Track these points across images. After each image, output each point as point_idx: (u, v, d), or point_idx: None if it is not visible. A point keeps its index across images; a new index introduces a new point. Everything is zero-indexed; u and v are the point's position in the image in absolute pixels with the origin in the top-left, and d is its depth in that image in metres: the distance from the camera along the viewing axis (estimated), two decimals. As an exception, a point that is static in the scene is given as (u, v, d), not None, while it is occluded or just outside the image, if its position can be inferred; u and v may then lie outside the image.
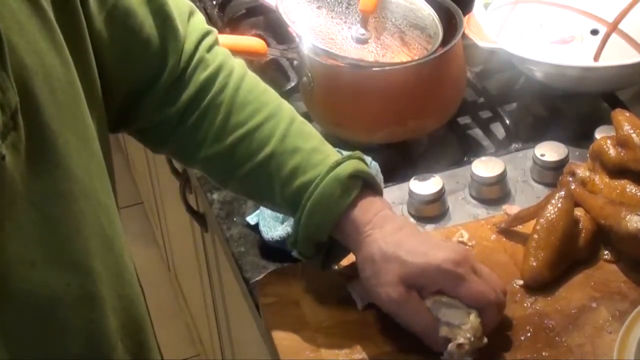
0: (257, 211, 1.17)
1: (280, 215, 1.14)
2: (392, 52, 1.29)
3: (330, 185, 0.96)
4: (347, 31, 1.30)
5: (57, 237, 0.80)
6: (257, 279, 1.09)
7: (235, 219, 1.19)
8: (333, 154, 1.00)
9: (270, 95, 1.04)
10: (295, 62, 1.33)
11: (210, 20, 1.60)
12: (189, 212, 1.57)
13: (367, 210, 0.97)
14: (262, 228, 1.14)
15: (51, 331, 0.81)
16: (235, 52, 1.32)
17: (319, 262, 1.02)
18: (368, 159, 1.16)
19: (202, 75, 1.00)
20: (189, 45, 1.00)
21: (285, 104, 1.04)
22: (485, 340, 0.93)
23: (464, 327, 0.92)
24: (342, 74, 1.24)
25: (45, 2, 0.81)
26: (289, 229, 1.11)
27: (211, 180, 1.10)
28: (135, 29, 0.93)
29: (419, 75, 1.23)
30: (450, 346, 0.92)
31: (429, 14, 1.30)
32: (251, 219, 1.17)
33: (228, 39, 1.31)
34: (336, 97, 1.26)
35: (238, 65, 1.05)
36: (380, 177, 1.16)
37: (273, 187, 1.00)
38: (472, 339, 0.92)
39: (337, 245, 1.01)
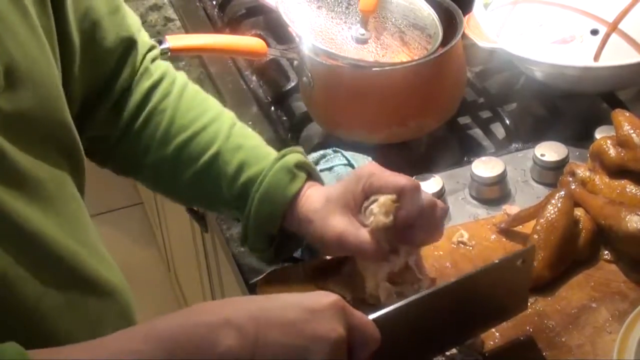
0: (257, 211, 1.17)
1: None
2: (392, 52, 1.29)
3: (279, 174, 0.99)
4: (347, 31, 1.30)
5: (39, 215, 0.84)
6: (257, 279, 1.09)
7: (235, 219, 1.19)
8: (274, 151, 1.04)
9: (211, 101, 1.08)
10: (295, 62, 1.33)
11: (210, 20, 1.60)
12: (189, 212, 1.57)
13: (315, 195, 0.99)
14: (262, 228, 1.14)
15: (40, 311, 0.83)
16: (235, 52, 1.32)
17: (271, 255, 1.03)
18: (368, 158, 1.16)
19: (146, 84, 1.04)
20: (139, 57, 1.04)
21: (226, 110, 1.08)
22: (390, 218, 0.93)
23: (374, 204, 0.94)
24: (342, 74, 1.24)
25: (27, 0, 0.84)
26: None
27: (156, 191, 1.13)
28: (99, 40, 0.97)
29: (419, 75, 1.23)
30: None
31: (429, 14, 1.30)
32: (251, 219, 1.17)
33: (228, 39, 1.31)
34: (336, 97, 1.26)
35: (180, 75, 1.09)
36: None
37: (220, 186, 1.02)
38: (379, 215, 0.93)
39: (286, 240, 1.02)
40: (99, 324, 0.87)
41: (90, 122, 1.01)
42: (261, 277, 1.08)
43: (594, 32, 1.30)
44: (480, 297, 0.92)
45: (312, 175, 1.02)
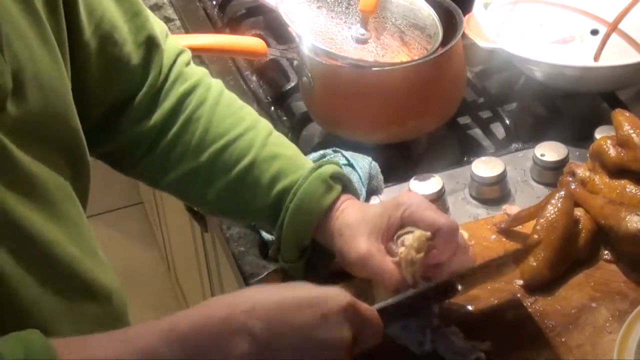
0: (257, 211, 1.17)
1: (280, 215, 1.14)
2: (392, 52, 1.29)
3: (314, 184, 0.99)
4: (347, 31, 1.30)
5: (41, 218, 0.84)
6: (257, 279, 1.09)
7: (235, 219, 1.19)
8: (310, 161, 1.04)
9: (247, 110, 1.07)
10: (295, 62, 1.33)
11: (210, 20, 1.60)
12: (189, 212, 1.57)
13: (351, 210, 0.98)
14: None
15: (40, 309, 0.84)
16: (235, 52, 1.32)
17: (301, 271, 1.02)
18: (367, 159, 1.16)
19: (180, 89, 1.03)
20: (167, 60, 1.03)
21: (262, 119, 1.07)
22: (421, 255, 0.92)
23: (408, 235, 0.93)
24: (342, 74, 1.24)
25: (38, 3, 0.84)
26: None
27: (185, 200, 1.12)
28: (119, 43, 0.97)
29: (419, 75, 1.23)
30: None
31: (429, 14, 1.30)
32: (251, 219, 1.17)
33: (228, 39, 1.31)
34: (336, 97, 1.26)
35: (216, 82, 1.08)
36: (380, 177, 1.16)
37: (254, 195, 1.01)
38: (410, 249, 0.92)
39: (318, 254, 1.01)
40: (96, 327, 0.87)
41: (118, 130, 1.01)
42: (261, 277, 1.08)
43: (594, 32, 1.30)
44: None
45: (347, 188, 1.02)
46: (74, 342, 0.75)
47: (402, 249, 0.93)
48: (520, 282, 1.02)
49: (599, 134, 1.17)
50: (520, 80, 1.40)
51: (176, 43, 1.07)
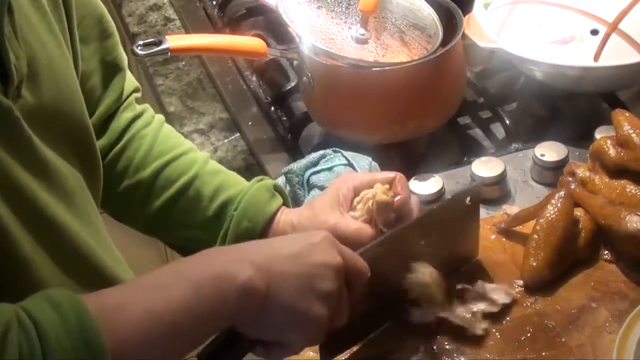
0: (257, 211, 1.17)
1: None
2: (392, 52, 1.29)
3: (259, 192, 1.03)
4: (347, 31, 1.30)
5: (61, 205, 0.86)
6: (257, 279, 1.09)
7: (235, 219, 1.19)
8: (260, 177, 1.07)
9: (186, 139, 1.14)
10: (295, 62, 1.33)
11: (210, 20, 1.60)
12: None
13: (295, 211, 1.03)
14: (262, 228, 1.14)
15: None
16: (235, 52, 1.32)
17: None
18: (368, 159, 1.16)
19: (129, 114, 1.08)
20: (127, 89, 1.08)
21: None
22: (391, 194, 0.99)
23: (370, 192, 0.99)
24: (342, 74, 1.24)
25: (45, 2, 0.87)
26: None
27: (121, 220, 1.12)
28: (86, 55, 0.99)
29: (419, 75, 1.23)
30: None
31: (429, 14, 1.30)
32: (251, 219, 1.17)
33: (228, 39, 1.31)
34: (336, 97, 1.26)
35: (159, 115, 1.14)
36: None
37: (196, 208, 1.04)
38: (380, 196, 0.99)
39: None
40: None
41: None
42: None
43: (594, 32, 1.29)
44: (437, 236, 0.99)
45: (286, 202, 1.06)
46: (97, 293, 0.77)
47: (369, 203, 0.98)
48: (520, 282, 1.02)
49: (599, 134, 1.17)
50: (520, 80, 1.40)
51: (133, 79, 1.12)
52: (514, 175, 1.20)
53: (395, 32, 1.31)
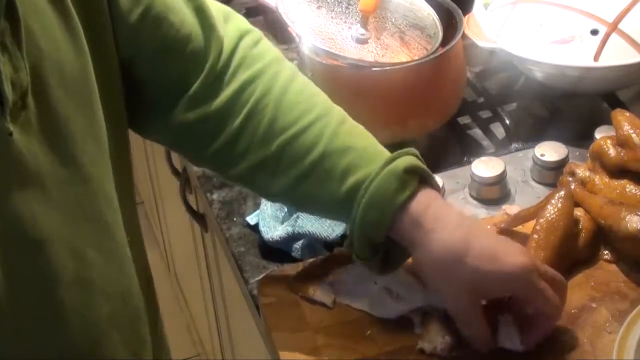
0: (257, 211, 1.17)
1: (280, 215, 1.14)
2: (392, 52, 1.29)
3: (386, 179, 0.92)
4: (347, 31, 1.30)
5: (57, 219, 0.80)
6: (257, 279, 1.09)
7: (235, 219, 1.19)
8: (386, 151, 0.97)
9: (320, 97, 1.00)
10: (295, 62, 1.33)
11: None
12: (189, 212, 1.57)
13: (426, 205, 0.92)
14: (262, 228, 1.14)
15: (50, 312, 0.81)
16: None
17: (377, 267, 0.97)
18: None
19: (243, 76, 0.97)
20: (228, 45, 0.97)
21: (335, 106, 1.00)
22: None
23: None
24: (342, 74, 1.24)
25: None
26: (289, 229, 1.11)
27: (255, 191, 1.06)
28: (175, 25, 0.92)
29: (419, 75, 1.23)
30: None
31: (429, 14, 1.30)
32: (251, 219, 1.17)
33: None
34: (336, 97, 1.25)
35: (287, 67, 1.00)
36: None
37: (325, 189, 0.95)
38: None
39: (394, 249, 0.96)
40: (109, 328, 0.87)
41: (174, 120, 0.96)
42: (261, 277, 1.08)
43: (594, 32, 1.30)
44: None
45: (426, 181, 0.95)
46: None
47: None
48: (520, 282, 1.02)
49: (599, 134, 1.17)
50: (520, 80, 1.40)
51: (239, 24, 1.00)
52: (514, 175, 1.20)
53: (395, 32, 1.31)
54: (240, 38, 0.98)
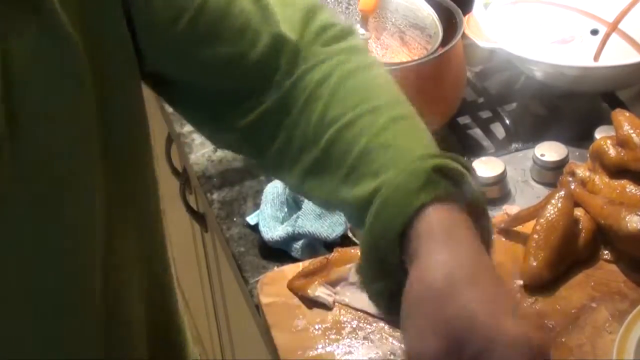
0: (257, 211, 1.17)
1: (280, 215, 1.14)
2: (392, 52, 1.29)
3: (407, 178, 0.71)
4: (347, 31, 1.30)
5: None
6: (257, 279, 1.09)
7: (235, 219, 1.19)
8: (434, 153, 0.75)
9: (385, 88, 0.81)
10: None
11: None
12: (188, 212, 1.57)
13: (444, 217, 0.70)
14: (262, 228, 1.14)
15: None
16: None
17: (384, 305, 0.75)
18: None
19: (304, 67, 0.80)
20: (306, 49, 0.81)
21: (403, 100, 0.81)
22: None
23: None
24: (342, 74, 1.24)
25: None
26: (289, 229, 1.11)
27: (313, 201, 0.89)
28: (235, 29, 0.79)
29: (419, 75, 1.23)
30: None
31: (429, 14, 1.30)
32: (251, 219, 1.17)
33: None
34: (336, 97, 1.26)
35: (361, 59, 0.82)
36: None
37: (359, 182, 0.76)
38: None
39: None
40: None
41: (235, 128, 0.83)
42: (261, 277, 1.08)
43: (594, 32, 1.30)
44: None
45: (460, 191, 0.71)
46: None
47: None
48: (520, 282, 1.02)
49: (599, 134, 1.17)
50: (520, 80, 1.40)
51: (324, 21, 0.82)
52: (514, 175, 1.20)
53: (395, 32, 1.31)
54: (318, 34, 0.81)
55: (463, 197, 0.71)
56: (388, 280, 0.73)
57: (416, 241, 0.69)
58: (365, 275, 0.74)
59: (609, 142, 1.10)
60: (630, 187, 1.07)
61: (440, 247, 0.69)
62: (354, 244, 1.09)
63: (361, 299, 1.01)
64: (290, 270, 1.07)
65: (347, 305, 1.02)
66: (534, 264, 1.01)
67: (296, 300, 1.03)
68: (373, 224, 0.71)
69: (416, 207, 0.69)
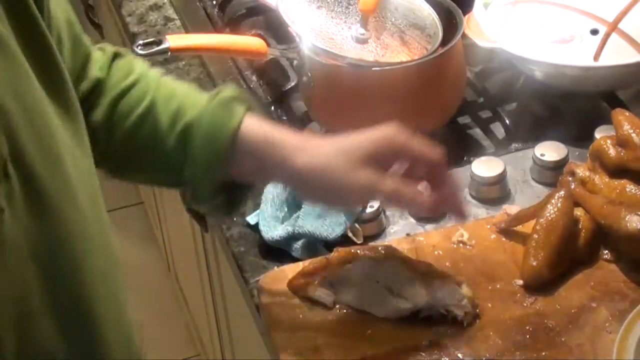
0: (257, 211, 1.17)
1: (280, 215, 1.14)
2: (392, 52, 1.29)
3: (216, 110, 0.95)
4: (347, 31, 1.30)
5: (56, 286, 0.78)
6: (257, 279, 1.09)
7: (235, 219, 1.19)
8: (206, 93, 0.99)
9: (138, 62, 1.03)
10: (295, 62, 1.33)
11: (210, 20, 1.60)
12: (189, 212, 1.57)
13: (261, 123, 0.95)
14: (262, 228, 1.14)
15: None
16: (235, 52, 1.32)
17: (220, 203, 0.98)
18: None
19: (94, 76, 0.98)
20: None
21: (152, 68, 1.03)
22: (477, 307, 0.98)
23: (462, 303, 0.97)
24: (342, 74, 1.24)
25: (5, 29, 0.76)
26: (289, 229, 1.11)
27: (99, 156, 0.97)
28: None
29: (419, 75, 1.23)
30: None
31: (429, 14, 1.30)
32: (251, 219, 1.17)
33: (228, 39, 1.31)
34: (336, 97, 1.26)
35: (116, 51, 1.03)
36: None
37: (160, 138, 0.96)
38: (469, 309, 0.98)
39: (237, 188, 0.98)
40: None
41: None
42: (261, 277, 1.08)
43: (594, 32, 1.30)
44: None
45: (253, 109, 0.97)
46: None
47: (456, 309, 0.98)
48: (520, 282, 1.02)
49: (599, 133, 1.17)
50: (520, 80, 1.40)
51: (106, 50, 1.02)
52: (514, 175, 1.20)
53: (395, 32, 1.31)
54: (111, 61, 1.00)
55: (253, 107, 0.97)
56: (221, 193, 0.96)
57: (251, 148, 0.94)
58: (202, 197, 0.96)
59: (609, 142, 1.10)
60: (630, 187, 1.07)
61: (279, 145, 0.94)
62: (354, 243, 1.09)
63: (361, 299, 1.01)
64: (290, 270, 1.07)
65: (347, 305, 1.02)
66: (534, 264, 1.01)
67: (296, 300, 1.03)
68: (203, 157, 0.94)
69: (234, 128, 0.94)
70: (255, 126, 0.95)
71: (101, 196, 0.87)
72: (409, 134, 0.93)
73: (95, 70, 0.98)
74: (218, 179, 0.95)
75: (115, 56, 1.01)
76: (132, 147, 0.98)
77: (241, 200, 1.00)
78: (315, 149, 0.94)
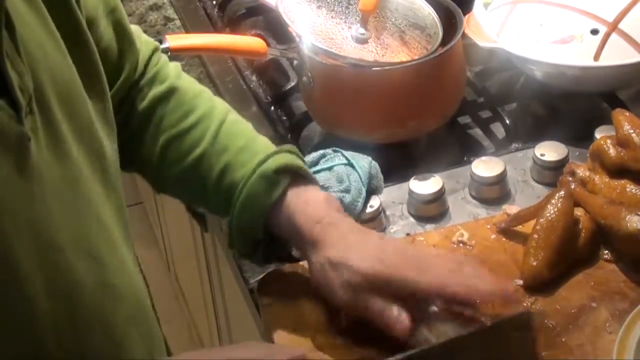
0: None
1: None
2: (392, 52, 1.29)
3: (257, 183, 0.99)
4: (347, 31, 1.30)
5: (77, 222, 0.81)
6: (257, 279, 1.09)
7: (235, 219, 1.19)
8: (262, 150, 1.02)
9: (203, 97, 1.07)
10: (295, 62, 1.33)
11: (210, 20, 1.60)
12: (189, 212, 1.57)
13: (298, 202, 0.99)
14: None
15: (76, 317, 0.81)
16: (235, 52, 1.32)
17: (261, 258, 1.04)
18: (368, 159, 1.16)
19: (152, 92, 1.05)
20: (142, 57, 1.05)
21: (219, 103, 1.08)
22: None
23: None
24: (342, 74, 1.24)
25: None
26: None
27: (153, 188, 1.14)
28: (97, 38, 0.95)
29: (419, 75, 1.23)
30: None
31: (429, 14, 1.30)
32: (251, 219, 1.17)
33: (228, 39, 1.31)
34: (336, 97, 1.26)
35: (172, 69, 1.09)
36: (380, 177, 1.16)
37: (205, 189, 1.03)
38: None
39: (275, 242, 1.03)
40: (129, 327, 0.87)
41: None
42: (261, 277, 1.08)
43: (594, 32, 1.30)
44: None
45: (299, 175, 1.01)
46: None
47: None
48: (520, 282, 1.02)
49: (599, 133, 1.17)
50: (520, 80, 1.40)
51: (148, 39, 1.08)
52: (514, 175, 1.20)
53: (395, 32, 1.31)
54: (152, 52, 1.07)
55: (302, 175, 1.01)
56: (259, 247, 1.02)
57: (287, 224, 0.99)
58: (240, 251, 1.04)
59: (609, 142, 1.10)
60: (630, 187, 1.07)
61: (314, 231, 0.97)
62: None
63: None
64: (290, 270, 1.07)
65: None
66: (534, 263, 1.01)
67: (296, 300, 1.03)
68: (240, 220, 1.00)
69: (271, 204, 0.99)
70: (293, 202, 0.99)
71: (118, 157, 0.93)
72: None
73: (172, 77, 1.06)
74: (254, 240, 1.02)
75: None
76: (183, 189, 1.08)
77: (277, 252, 1.05)
78: (348, 248, 0.96)
